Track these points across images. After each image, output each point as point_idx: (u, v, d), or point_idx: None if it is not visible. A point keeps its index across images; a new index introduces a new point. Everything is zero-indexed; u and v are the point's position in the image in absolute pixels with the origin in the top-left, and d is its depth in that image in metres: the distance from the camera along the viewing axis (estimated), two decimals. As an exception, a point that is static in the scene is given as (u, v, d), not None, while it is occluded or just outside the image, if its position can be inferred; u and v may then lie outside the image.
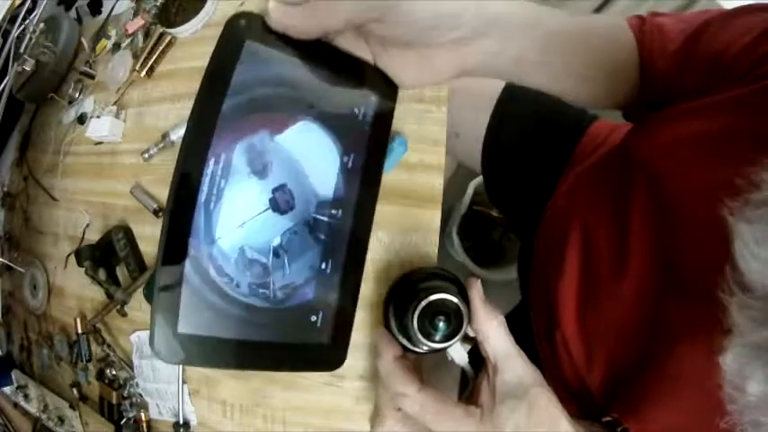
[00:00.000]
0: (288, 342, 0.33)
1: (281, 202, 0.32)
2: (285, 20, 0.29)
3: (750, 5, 0.37)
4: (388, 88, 0.36)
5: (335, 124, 0.33)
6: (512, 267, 0.97)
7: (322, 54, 0.32)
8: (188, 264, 0.28)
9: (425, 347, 0.33)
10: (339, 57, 0.33)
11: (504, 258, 1.08)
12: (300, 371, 0.35)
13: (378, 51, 0.33)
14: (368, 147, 0.35)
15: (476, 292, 0.33)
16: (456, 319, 0.32)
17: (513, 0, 0.33)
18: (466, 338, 0.34)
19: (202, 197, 0.29)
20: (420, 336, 0.32)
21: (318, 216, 0.33)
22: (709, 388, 0.30)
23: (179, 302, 0.28)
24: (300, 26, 0.29)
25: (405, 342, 0.34)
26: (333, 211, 0.34)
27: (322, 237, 0.34)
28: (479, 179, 0.98)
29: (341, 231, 0.34)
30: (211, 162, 0.29)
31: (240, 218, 0.31)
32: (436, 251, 0.42)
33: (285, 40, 0.30)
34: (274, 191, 0.32)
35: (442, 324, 0.32)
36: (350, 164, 0.34)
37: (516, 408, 0.30)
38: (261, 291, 0.31)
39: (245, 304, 0.31)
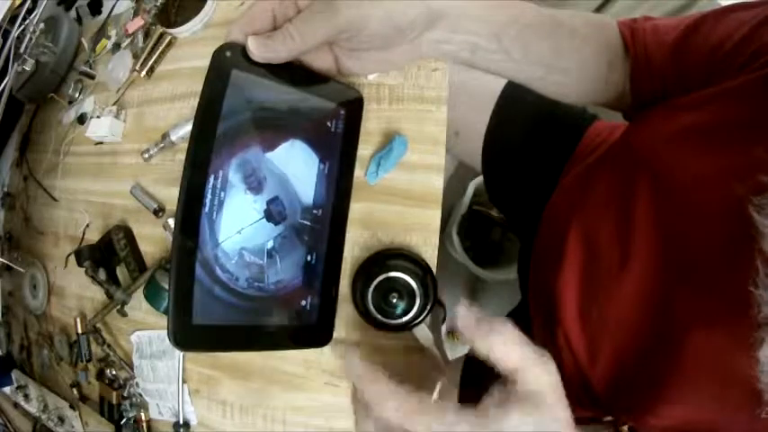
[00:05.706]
0: (283, 324, 0.37)
1: (274, 213, 0.37)
2: (264, 52, 0.33)
3: (744, 2, 0.37)
4: (354, 99, 0.41)
5: (314, 138, 0.39)
6: (512, 267, 0.97)
7: (297, 76, 0.37)
8: (198, 266, 0.32)
9: (380, 321, 0.36)
10: (311, 78, 0.38)
11: (504, 258, 1.08)
12: (293, 349, 0.39)
13: (340, 54, 0.37)
14: (341, 152, 0.40)
15: (463, 321, 0.27)
16: (409, 299, 0.35)
17: None
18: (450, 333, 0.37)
19: (206, 208, 0.33)
20: (373, 309, 0.36)
21: (303, 221, 0.38)
22: (730, 377, 0.29)
23: (192, 299, 0.32)
24: (278, 53, 0.33)
25: (374, 313, 0.37)
26: (314, 212, 0.39)
27: (307, 238, 0.38)
28: (479, 179, 0.98)
29: (322, 227, 0.39)
30: (212, 178, 0.34)
31: (239, 225, 0.35)
32: (436, 251, 0.42)
33: (265, 66, 0.34)
34: (269, 203, 0.37)
35: (395, 300, 0.35)
36: (326, 170, 0.40)
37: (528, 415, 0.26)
38: (257, 284, 0.36)
39: (246, 295, 0.35)
